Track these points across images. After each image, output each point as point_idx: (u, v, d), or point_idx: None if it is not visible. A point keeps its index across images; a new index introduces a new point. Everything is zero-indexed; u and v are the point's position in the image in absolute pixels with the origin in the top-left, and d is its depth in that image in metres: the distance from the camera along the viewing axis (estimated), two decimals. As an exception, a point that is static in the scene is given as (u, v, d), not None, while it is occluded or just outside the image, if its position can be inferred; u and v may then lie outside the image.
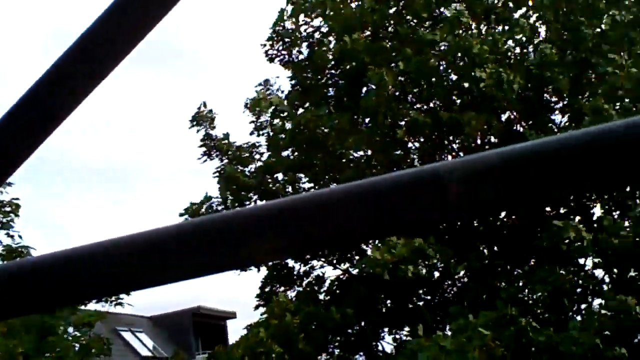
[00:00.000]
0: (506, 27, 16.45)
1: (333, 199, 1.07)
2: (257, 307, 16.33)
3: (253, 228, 1.09)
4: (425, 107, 16.21)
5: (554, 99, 16.40)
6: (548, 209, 15.83)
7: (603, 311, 13.39)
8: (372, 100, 14.73)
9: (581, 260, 14.81)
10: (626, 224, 14.09)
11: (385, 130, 15.20)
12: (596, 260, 14.80)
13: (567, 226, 13.38)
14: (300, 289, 16.57)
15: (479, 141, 15.62)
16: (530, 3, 16.56)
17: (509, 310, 12.39)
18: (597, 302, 14.11)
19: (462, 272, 15.16)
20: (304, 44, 17.20)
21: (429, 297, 16.04)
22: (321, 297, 16.14)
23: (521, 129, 16.15)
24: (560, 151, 0.98)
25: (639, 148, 0.96)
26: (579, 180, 1.00)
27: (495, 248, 16.09)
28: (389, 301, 15.79)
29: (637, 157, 0.96)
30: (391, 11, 16.49)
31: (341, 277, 16.20)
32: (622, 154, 0.96)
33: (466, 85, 15.32)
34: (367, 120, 15.70)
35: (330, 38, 16.74)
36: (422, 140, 16.37)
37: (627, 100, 14.80)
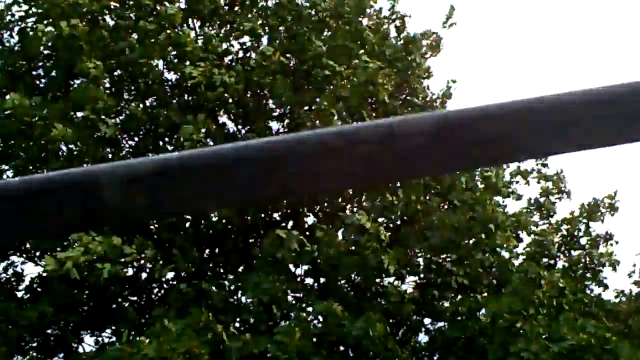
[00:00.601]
0: (229, 29, 16.57)
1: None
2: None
3: None
4: (142, 104, 15.95)
5: (274, 106, 16.70)
6: (263, 215, 16.17)
7: (311, 317, 13.81)
8: (82, 92, 14.21)
9: (292, 267, 15.17)
10: (339, 236, 14.57)
11: (96, 124, 14.70)
12: (305, 267, 15.27)
13: (290, 236, 13.67)
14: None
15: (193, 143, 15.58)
16: (254, 10, 16.77)
17: (205, 317, 12.41)
18: (309, 309, 14.51)
19: (169, 275, 15.06)
20: (16, 28, 16.31)
21: (135, 298, 15.78)
22: (20, 295, 15.38)
23: (240, 134, 16.33)
24: (211, 164, 1.00)
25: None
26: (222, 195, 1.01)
27: (208, 251, 16.16)
28: (91, 302, 15.35)
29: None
30: (112, 3, 16.00)
31: (43, 274, 15.45)
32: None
33: (184, 84, 15.26)
34: (79, 113, 15.08)
35: (45, 24, 15.89)
36: (137, 139, 16.09)
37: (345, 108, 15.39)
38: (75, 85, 14.80)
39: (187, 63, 15.08)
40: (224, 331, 12.32)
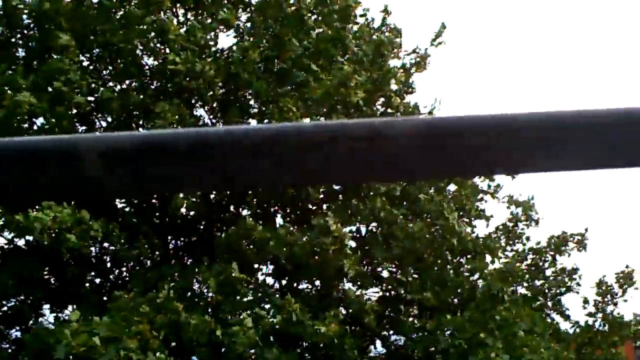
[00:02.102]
0: (213, 22, 16.48)
1: None
2: None
3: None
4: (118, 85, 15.85)
5: (252, 102, 16.63)
6: (233, 209, 16.20)
7: (270, 313, 13.86)
8: (54, 64, 14.05)
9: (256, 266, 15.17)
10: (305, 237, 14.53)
11: (68, 96, 14.50)
12: (269, 267, 15.30)
13: (256, 227, 13.67)
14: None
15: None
16: (240, 4, 16.69)
17: (164, 293, 12.41)
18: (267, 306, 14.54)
19: (132, 260, 15.06)
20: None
21: (97, 280, 15.74)
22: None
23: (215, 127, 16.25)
24: (194, 145, 0.99)
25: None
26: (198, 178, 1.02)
27: (173, 241, 16.14)
28: (53, 278, 15.29)
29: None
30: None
31: (6, 246, 15.38)
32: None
33: (163, 70, 15.15)
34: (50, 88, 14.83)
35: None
36: (110, 119, 15.97)
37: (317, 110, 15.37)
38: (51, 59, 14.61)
39: (168, 51, 15.02)
40: (184, 311, 12.32)
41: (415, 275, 15.70)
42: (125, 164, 0.98)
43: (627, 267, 17.79)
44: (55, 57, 14.42)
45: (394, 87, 17.13)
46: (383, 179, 1.01)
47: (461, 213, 16.79)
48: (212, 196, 16.12)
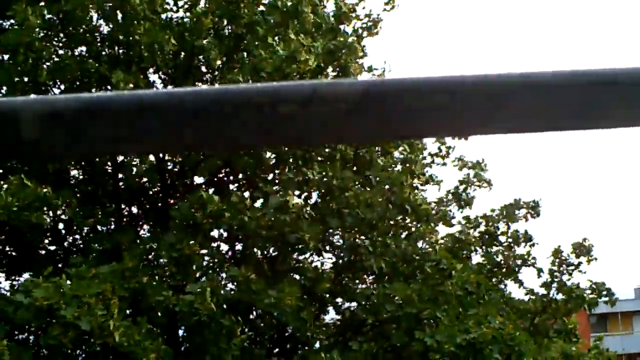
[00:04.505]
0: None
1: None
2: None
3: None
4: (71, 52, 15.60)
5: (204, 69, 16.47)
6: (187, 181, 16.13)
7: (224, 282, 13.84)
8: (15, 38, 13.83)
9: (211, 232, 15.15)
10: (257, 203, 14.47)
11: (27, 70, 14.36)
12: (224, 234, 15.28)
13: (211, 199, 13.56)
14: None
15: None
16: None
17: (134, 263, 12.41)
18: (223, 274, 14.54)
19: (87, 228, 14.97)
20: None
21: (52, 248, 15.66)
22: None
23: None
24: (132, 107, 0.96)
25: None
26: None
27: (127, 208, 16.03)
28: (7, 245, 15.17)
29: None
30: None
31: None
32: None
33: (121, 39, 14.90)
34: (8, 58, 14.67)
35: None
36: (64, 88, 15.75)
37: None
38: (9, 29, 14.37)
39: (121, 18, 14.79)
40: (150, 281, 12.31)
41: (370, 241, 15.70)
42: (64, 126, 0.95)
43: (584, 239, 17.82)
44: (13, 28, 14.15)
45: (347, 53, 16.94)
46: (323, 141, 1.00)
47: (411, 179, 16.73)
48: (165, 163, 16.05)
